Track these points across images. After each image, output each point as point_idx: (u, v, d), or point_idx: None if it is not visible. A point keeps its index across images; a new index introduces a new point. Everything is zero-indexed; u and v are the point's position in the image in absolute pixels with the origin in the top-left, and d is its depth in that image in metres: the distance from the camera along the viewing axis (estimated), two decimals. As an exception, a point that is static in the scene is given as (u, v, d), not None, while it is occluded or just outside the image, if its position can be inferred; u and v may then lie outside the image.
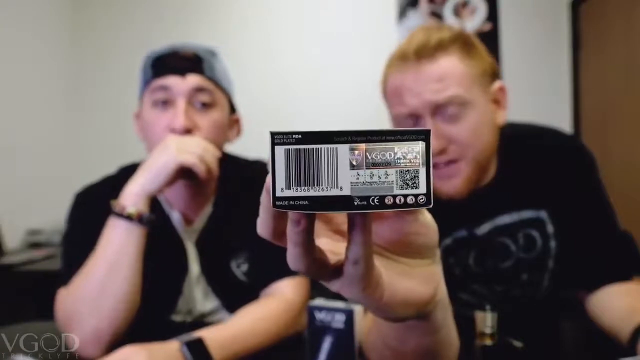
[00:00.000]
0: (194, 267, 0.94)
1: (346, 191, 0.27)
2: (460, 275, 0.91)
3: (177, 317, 0.93)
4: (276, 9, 2.53)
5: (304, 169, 0.27)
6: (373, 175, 0.27)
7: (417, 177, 0.27)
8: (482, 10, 2.39)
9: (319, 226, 0.34)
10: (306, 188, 0.27)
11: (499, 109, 0.87)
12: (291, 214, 0.28)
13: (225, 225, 0.95)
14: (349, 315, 0.68)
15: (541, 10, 2.38)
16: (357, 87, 2.35)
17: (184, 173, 0.83)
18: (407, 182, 0.27)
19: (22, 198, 2.20)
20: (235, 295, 0.93)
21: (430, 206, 0.28)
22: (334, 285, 0.32)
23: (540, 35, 2.39)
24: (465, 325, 0.59)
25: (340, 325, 0.69)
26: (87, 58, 2.64)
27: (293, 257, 0.29)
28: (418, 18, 2.43)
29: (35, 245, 2.19)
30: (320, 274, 0.31)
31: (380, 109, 1.01)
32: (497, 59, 2.32)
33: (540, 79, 2.38)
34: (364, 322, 0.65)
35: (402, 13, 2.44)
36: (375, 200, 0.27)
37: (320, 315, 0.70)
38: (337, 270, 0.31)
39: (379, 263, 0.32)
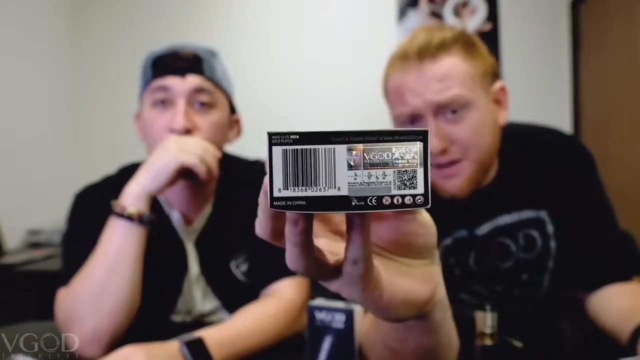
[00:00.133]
0: (194, 267, 0.94)
1: (344, 191, 0.27)
2: (461, 275, 0.91)
3: (176, 317, 0.93)
4: (276, 9, 2.53)
5: (301, 170, 0.27)
6: (371, 175, 0.27)
7: (415, 177, 0.27)
8: (482, 10, 2.39)
9: (317, 226, 0.34)
10: (304, 188, 0.27)
11: (501, 109, 0.87)
12: (289, 215, 0.28)
13: (225, 225, 0.95)
14: (349, 315, 0.68)
15: (541, 10, 2.38)
16: (357, 87, 2.35)
17: (184, 173, 0.83)
18: (405, 182, 0.27)
19: (22, 198, 2.20)
20: (234, 296, 0.93)
21: (428, 206, 0.28)
22: (333, 285, 0.32)
23: (540, 35, 2.39)
24: (465, 325, 0.59)
25: (340, 325, 0.69)
26: (87, 58, 2.64)
27: (292, 257, 0.29)
28: (418, 18, 2.42)
29: (35, 245, 2.19)
30: (319, 274, 0.31)
31: (380, 109, 1.02)
32: (497, 59, 2.32)
33: (540, 79, 2.38)
34: (364, 323, 0.65)
35: (402, 13, 2.44)
36: (373, 201, 0.27)
37: (320, 315, 0.70)
38: (336, 270, 0.31)
39: (378, 263, 0.32)
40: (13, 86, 2.20)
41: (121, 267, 0.79)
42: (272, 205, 0.27)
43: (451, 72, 0.80)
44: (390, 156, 0.27)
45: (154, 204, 0.86)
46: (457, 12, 2.40)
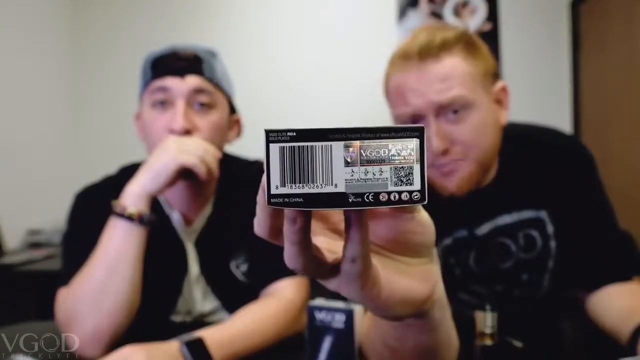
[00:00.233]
0: (194, 267, 0.94)
1: (341, 188, 0.27)
2: (461, 275, 0.91)
3: (176, 318, 0.93)
4: (276, 9, 2.53)
5: (298, 167, 0.27)
6: (367, 172, 0.27)
7: (412, 173, 0.27)
8: (482, 10, 2.39)
9: (315, 225, 0.34)
10: (301, 185, 0.27)
11: (501, 109, 0.87)
12: (287, 212, 0.28)
13: (225, 225, 0.95)
14: (349, 315, 0.68)
15: (541, 10, 2.38)
16: (357, 87, 2.35)
17: (184, 174, 0.83)
18: (402, 178, 0.27)
19: (22, 198, 2.20)
20: (234, 296, 0.93)
21: (425, 202, 0.28)
22: (331, 284, 0.32)
23: (540, 35, 2.39)
24: (465, 325, 0.59)
25: (340, 325, 0.69)
26: (87, 58, 2.64)
27: (290, 255, 0.29)
28: (418, 18, 2.43)
29: (35, 245, 2.19)
30: (318, 272, 0.31)
31: (380, 109, 1.02)
32: (497, 59, 2.32)
33: (540, 79, 2.38)
34: (364, 322, 0.65)
35: (402, 13, 2.44)
36: (370, 197, 0.27)
37: (320, 315, 0.70)
38: (334, 269, 0.31)
39: (376, 261, 0.32)
40: (13, 86, 2.21)
41: (121, 267, 0.79)
42: (269, 203, 0.27)
43: (453, 72, 0.80)
44: (387, 153, 0.27)
45: (154, 204, 0.86)
46: (457, 12, 2.40)
